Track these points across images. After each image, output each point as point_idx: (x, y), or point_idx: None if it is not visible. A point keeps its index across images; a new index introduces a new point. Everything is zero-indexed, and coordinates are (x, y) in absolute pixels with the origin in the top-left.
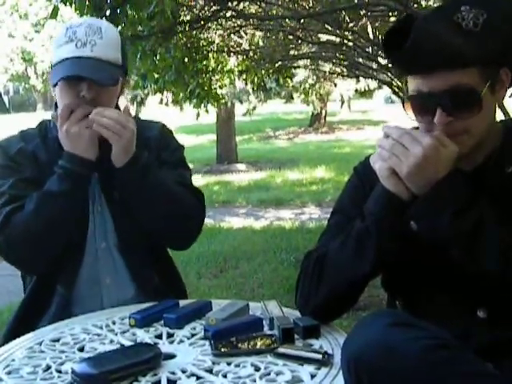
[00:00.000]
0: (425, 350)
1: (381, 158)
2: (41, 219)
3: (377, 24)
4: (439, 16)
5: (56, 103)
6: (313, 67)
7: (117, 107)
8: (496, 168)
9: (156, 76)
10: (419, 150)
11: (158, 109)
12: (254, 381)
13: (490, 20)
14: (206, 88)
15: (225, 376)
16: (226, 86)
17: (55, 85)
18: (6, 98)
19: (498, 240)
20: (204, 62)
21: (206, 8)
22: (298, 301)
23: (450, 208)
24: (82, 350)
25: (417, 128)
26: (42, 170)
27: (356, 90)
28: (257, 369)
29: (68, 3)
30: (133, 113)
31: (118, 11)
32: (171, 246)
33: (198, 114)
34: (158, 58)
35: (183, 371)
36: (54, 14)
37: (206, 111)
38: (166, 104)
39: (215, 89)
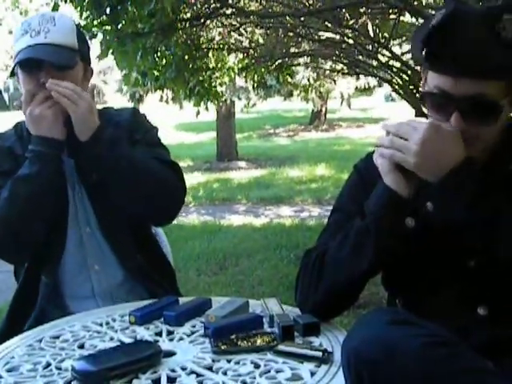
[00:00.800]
0: (424, 347)
1: (382, 156)
2: (15, 204)
3: (377, 21)
4: (482, 22)
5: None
6: (313, 65)
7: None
8: (498, 165)
9: (156, 74)
10: (418, 136)
11: (157, 106)
12: (254, 378)
13: None
14: (206, 85)
15: (225, 373)
16: (226, 83)
17: (14, 73)
18: (5, 95)
19: None
20: (204, 60)
21: (206, 5)
22: (298, 298)
23: (466, 195)
24: (81, 347)
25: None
26: (19, 163)
27: (356, 88)
28: (257, 366)
29: (68, 0)
30: None
31: (118, 8)
32: (153, 222)
33: (198, 112)
34: (158, 55)
35: (183, 368)
36: (54, 11)
37: (206, 109)
38: (166, 101)
39: (215, 86)
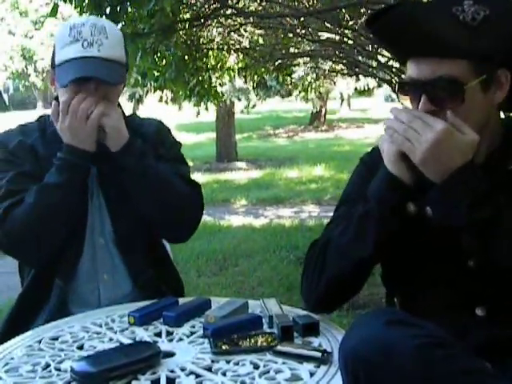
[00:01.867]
0: (421, 348)
1: (391, 141)
2: (39, 212)
3: None
4: (439, 5)
5: (56, 98)
6: (313, 65)
7: (119, 104)
8: (498, 166)
9: (156, 74)
10: (431, 135)
11: (156, 107)
12: (254, 379)
13: (491, 17)
14: (205, 86)
15: (224, 374)
16: (225, 84)
17: (65, 85)
18: (5, 96)
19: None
20: (204, 60)
21: (205, 6)
22: (303, 290)
23: (468, 199)
24: (81, 348)
25: None
26: (41, 164)
27: (356, 89)
28: (256, 367)
29: (68, 1)
30: (130, 110)
31: (118, 9)
32: (169, 238)
33: (198, 112)
34: (158, 55)
35: (182, 369)
36: (54, 11)
37: (206, 109)
38: (166, 102)
39: (215, 87)
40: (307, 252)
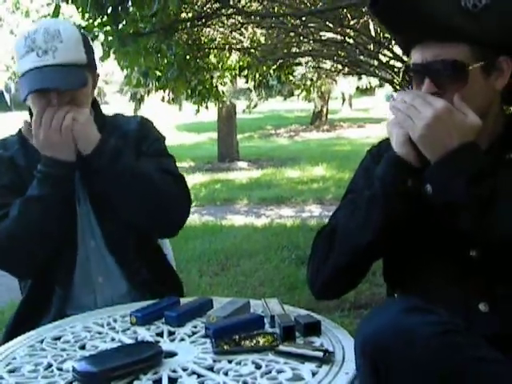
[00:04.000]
0: (439, 334)
1: (397, 122)
2: (24, 225)
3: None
4: None
5: (29, 111)
6: (314, 65)
7: (94, 102)
8: (497, 154)
9: (158, 74)
10: (430, 111)
11: (158, 107)
12: (255, 379)
13: (493, 5)
14: (207, 85)
15: (226, 374)
16: (226, 83)
17: (24, 99)
18: (7, 96)
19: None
20: (206, 60)
21: (207, 5)
22: (309, 276)
23: (467, 174)
24: (83, 348)
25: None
26: (22, 175)
27: (357, 88)
28: (258, 367)
29: (70, 1)
30: (132, 111)
31: (120, 9)
32: (157, 234)
33: (198, 110)
34: (159, 55)
35: (184, 369)
36: (56, 12)
37: (206, 107)
38: (169, 101)
39: (216, 86)
40: (314, 239)
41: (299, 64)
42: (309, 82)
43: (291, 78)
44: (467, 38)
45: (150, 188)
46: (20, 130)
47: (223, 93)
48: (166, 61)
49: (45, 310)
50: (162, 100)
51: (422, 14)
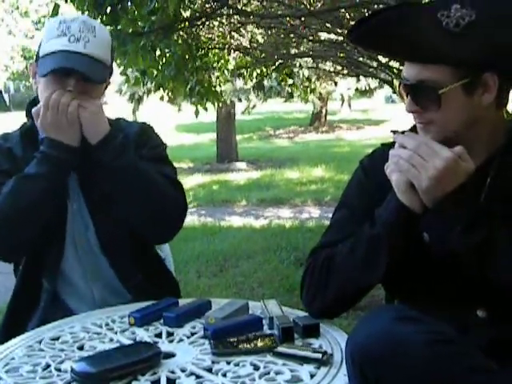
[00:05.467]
0: (431, 343)
1: (399, 169)
2: (15, 200)
3: None
4: (425, 11)
5: (34, 102)
6: (313, 65)
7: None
8: (499, 166)
9: (155, 72)
10: (440, 162)
11: (157, 107)
12: (254, 380)
13: (477, 22)
14: (205, 85)
15: (224, 375)
16: (224, 83)
17: (44, 75)
18: (6, 96)
19: (510, 255)
20: (204, 59)
21: (206, 5)
22: (304, 300)
23: (460, 223)
24: (81, 348)
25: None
26: (19, 165)
27: (356, 89)
28: (256, 368)
29: (69, 0)
30: (130, 111)
31: (119, 8)
32: (151, 238)
33: (197, 112)
34: (157, 54)
35: (182, 370)
36: (55, 12)
37: (205, 109)
38: (169, 100)
39: (215, 86)
40: (308, 260)
41: (298, 66)
42: (307, 84)
43: (290, 80)
44: (448, 60)
45: (151, 188)
46: (22, 126)
47: (221, 92)
48: (164, 60)
49: (34, 304)
50: (161, 99)
51: (403, 37)
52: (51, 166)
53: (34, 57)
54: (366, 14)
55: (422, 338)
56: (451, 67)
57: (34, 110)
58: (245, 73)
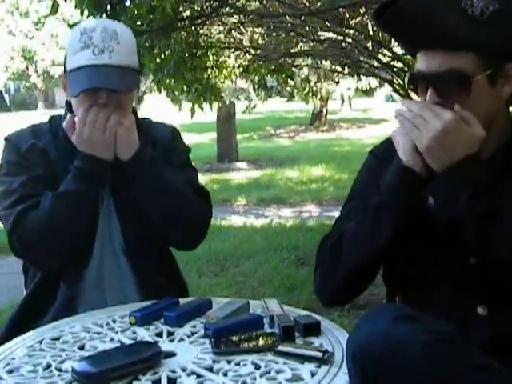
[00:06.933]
0: (431, 343)
1: (403, 131)
2: (55, 218)
3: None
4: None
5: (67, 104)
6: (313, 64)
7: (134, 110)
8: (502, 162)
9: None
10: (439, 123)
11: (157, 107)
12: (255, 379)
13: (501, 11)
14: (204, 84)
15: (225, 374)
16: (224, 82)
17: (75, 96)
18: (6, 97)
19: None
20: (203, 58)
21: (206, 4)
22: (317, 284)
23: (469, 189)
24: (82, 348)
25: None
26: (53, 168)
27: (357, 89)
28: (257, 367)
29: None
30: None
31: (118, 7)
32: (178, 246)
33: (193, 112)
34: (157, 52)
35: (183, 369)
36: (54, 10)
37: (201, 109)
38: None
39: (214, 84)
40: (318, 248)
41: (299, 65)
42: (308, 85)
43: (290, 81)
44: (474, 47)
45: (178, 198)
46: (51, 119)
47: (220, 90)
48: (163, 59)
49: (48, 306)
50: (165, 92)
51: (428, 24)
52: (89, 182)
53: (63, 68)
54: (365, 14)
55: (420, 338)
56: (475, 56)
57: (64, 124)
58: (245, 72)
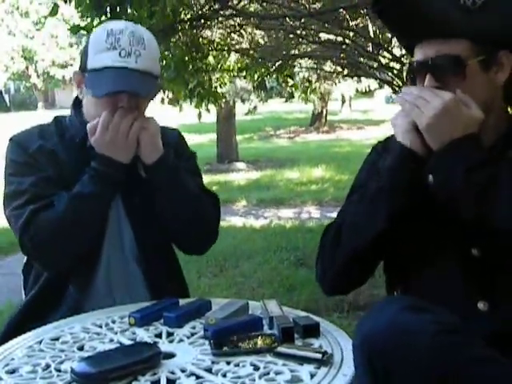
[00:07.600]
0: (438, 333)
1: (404, 113)
2: (70, 220)
3: (377, 23)
4: None
5: (77, 102)
6: (314, 67)
7: None
8: (500, 152)
9: None
10: (439, 102)
11: (157, 108)
12: (254, 380)
13: (492, 1)
14: (206, 87)
15: (224, 375)
16: (225, 84)
17: (99, 97)
18: (6, 97)
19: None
20: (204, 61)
21: (206, 6)
22: (318, 274)
23: (466, 162)
24: (81, 348)
25: None
26: (62, 169)
27: (357, 90)
28: (256, 368)
29: (68, 1)
30: None
31: (118, 9)
32: (188, 251)
33: (200, 115)
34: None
35: (182, 370)
36: (54, 11)
37: (207, 110)
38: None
39: (216, 87)
40: (321, 237)
41: (298, 66)
42: (307, 85)
43: (290, 81)
44: (466, 34)
45: (197, 204)
46: (56, 120)
47: (222, 94)
48: (164, 62)
49: (54, 308)
50: (162, 102)
51: (422, 12)
52: (105, 186)
53: (79, 66)
54: (365, 15)
55: (427, 329)
56: (470, 43)
57: (89, 126)
58: (246, 74)
